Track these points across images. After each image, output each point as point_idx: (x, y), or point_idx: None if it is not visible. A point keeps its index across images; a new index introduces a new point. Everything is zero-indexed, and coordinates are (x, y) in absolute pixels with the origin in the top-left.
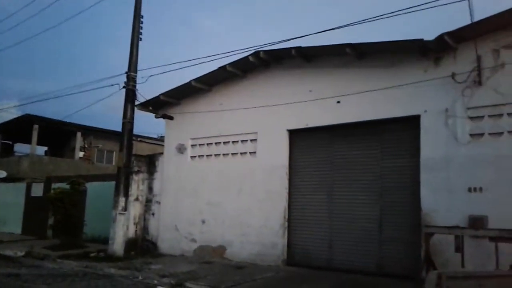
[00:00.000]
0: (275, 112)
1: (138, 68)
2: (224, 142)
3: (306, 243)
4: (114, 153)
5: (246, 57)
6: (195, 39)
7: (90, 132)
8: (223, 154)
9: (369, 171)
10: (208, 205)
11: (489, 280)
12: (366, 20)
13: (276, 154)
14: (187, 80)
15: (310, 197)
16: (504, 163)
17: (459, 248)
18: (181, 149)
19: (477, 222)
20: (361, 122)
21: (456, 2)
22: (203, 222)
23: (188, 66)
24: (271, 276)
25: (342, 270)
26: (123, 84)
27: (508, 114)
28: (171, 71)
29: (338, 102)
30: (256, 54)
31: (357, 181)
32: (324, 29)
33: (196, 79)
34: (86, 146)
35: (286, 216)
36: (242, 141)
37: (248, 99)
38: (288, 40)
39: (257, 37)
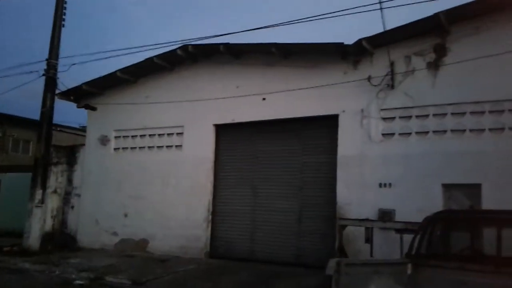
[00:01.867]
0: (202, 107)
1: (61, 55)
2: (150, 135)
3: (229, 235)
4: (31, 143)
5: (174, 50)
6: (122, 29)
7: (4, 119)
8: (148, 147)
9: (290, 166)
10: (131, 198)
11: (385, 267)
12: (294, 21)
13: (202, 148)
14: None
15: (234, 191)
16: (411, 161)
17: (369, 239)
18: (104, 140)
19: (385, 215)
20: (285, 119)
21: (373, 10)
22: (126, 215)
23: (114, 56)
24: (193, 268)
25: (264, 261)
26: (43, 72)
27: (417, 116)
28: (95, 60)
29: (264, 99)
30: (184, 47)
31: (279, 176)
32: (254, 28)
33: (121, 70)
34: None
35: (210, 209)
36: (168, 134)
37: (175, 92)
38: (218, 35)
39: (187, 30)
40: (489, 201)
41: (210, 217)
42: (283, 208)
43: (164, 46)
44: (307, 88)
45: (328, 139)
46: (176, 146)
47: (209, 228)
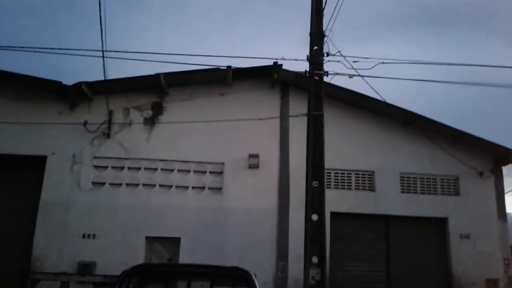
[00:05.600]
0: None
1: None
2: None
3: None
4: None
5: None
6: None
7: None
8: None
9: None
10: None
11: None
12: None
13: None
14: None
15: None
16: (119, 212)
17: None
18: None
19: (86, 268)
20: None
21: (95, 56)
22: None
23: None
24: None
25: None
26: None
27: (129, 168)
28: None
29: None
30: None
31: None
32: None
33: None
34: None
35: None
36: None
37: None
38: None
39: None
40: (186, 254)
41: None
42: None
43: None
44: (13, 122)
45: (32, 182)
46: None
47: None
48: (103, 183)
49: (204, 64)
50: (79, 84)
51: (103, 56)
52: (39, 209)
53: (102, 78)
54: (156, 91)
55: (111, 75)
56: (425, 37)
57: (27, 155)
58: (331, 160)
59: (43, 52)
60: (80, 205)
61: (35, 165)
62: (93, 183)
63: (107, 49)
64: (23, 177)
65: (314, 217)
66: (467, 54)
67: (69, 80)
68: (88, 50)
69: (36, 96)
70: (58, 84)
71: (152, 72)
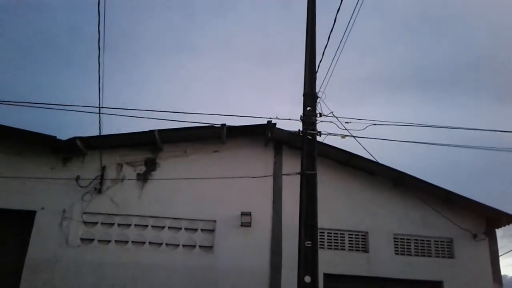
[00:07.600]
0: None
1: None
2: None
3: None
4: None
5: None
6: None
7: None
8: None
9: None
10: None
11: None
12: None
13: None
14: None
15: None
16: (107, 270)
17: None
18: None
19: None
20: None
21: (92, 112)
22: None
23: None
24: None
25: None
26: None
27: (119, 224)
28: None
29: None
30: None
31: None
32: None
33: None
34: None
35: None
36: None
37: None
38: None
39: None
40: None
41: None
42: None
43: None
44: (2, 176)
45: (19, 237)
46: None
47: None
48: (92, 240)
49: (199, 121)
50: (73, 139)
51: (99, 113)
52: (25, 265)
53: (95, 131)
54: (150, 147)
55: (106, 129)
56: (418, 99)
57: (15, 209)
58: (324, 219)
59: (39, 107)
60: (67, 262)
61: (24, 220)
62: (81, 239)
63: (104, 105)
64: (10, 232)
65: (307, 278)
66: (466, 116)
67: (60, 132)
68: (84, 106)
69: (28, 150)
70: (52, 138)
71: (146, 128)
